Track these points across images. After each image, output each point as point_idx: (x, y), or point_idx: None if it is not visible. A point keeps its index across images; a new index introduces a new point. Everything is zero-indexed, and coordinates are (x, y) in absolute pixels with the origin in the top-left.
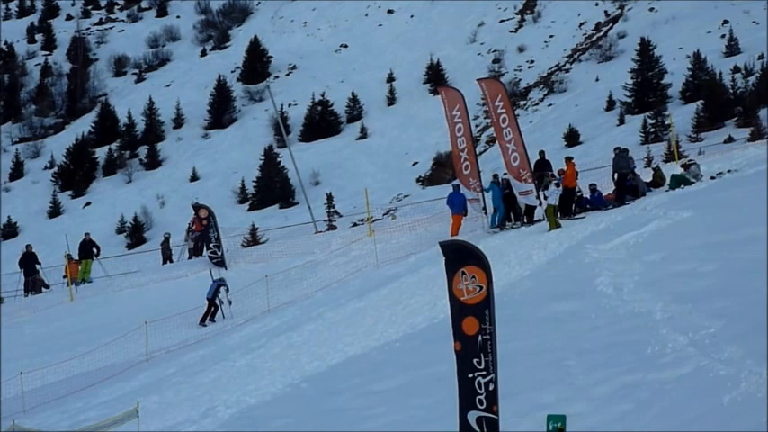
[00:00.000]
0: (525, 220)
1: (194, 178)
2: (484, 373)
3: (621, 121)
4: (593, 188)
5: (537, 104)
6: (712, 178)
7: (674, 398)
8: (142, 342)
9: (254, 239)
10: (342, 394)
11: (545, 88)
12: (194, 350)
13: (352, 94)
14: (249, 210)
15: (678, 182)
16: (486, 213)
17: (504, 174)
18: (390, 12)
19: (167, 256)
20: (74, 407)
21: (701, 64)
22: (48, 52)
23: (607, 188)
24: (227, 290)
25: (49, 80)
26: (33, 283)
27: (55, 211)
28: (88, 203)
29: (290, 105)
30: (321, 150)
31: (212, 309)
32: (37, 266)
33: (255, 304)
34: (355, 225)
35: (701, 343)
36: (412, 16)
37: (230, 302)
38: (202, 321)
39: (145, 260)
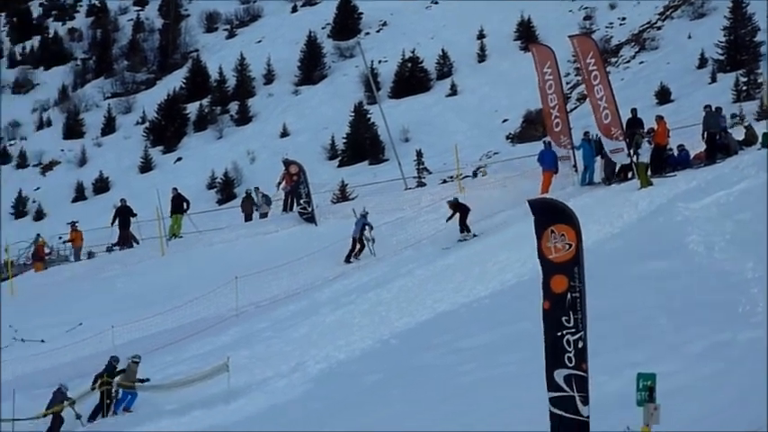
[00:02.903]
0: (616, 178)
1: (284, 134)
2: (573, 330)
3: (713, 79)
4: (681, 148)
5: (628, 62)
6: None
7: (764, 357)
8: (232, 297)
9: (343, 195)
10: (431, 351)
11: (636, 46)
12: (284, 305)
13: (443, 50)
14: (339, 166)
15: None
16: (576, 171)
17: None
18: None
19: (248, 214)
20: (164, 361)
21: None
22: (140, 8)
23: (698, 146)
24: (371, 228)
25: (141, 36)
26: (125, 238)
27: (146, 166)
28: (179, 159)
29: (380, 62)
30: (411, 107)
31: (358, 247)
32: (132, 219)
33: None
34: (445, 182)
35: None
36: None
37: (373, 240)
38: (347, 259)
39: (234, 216)
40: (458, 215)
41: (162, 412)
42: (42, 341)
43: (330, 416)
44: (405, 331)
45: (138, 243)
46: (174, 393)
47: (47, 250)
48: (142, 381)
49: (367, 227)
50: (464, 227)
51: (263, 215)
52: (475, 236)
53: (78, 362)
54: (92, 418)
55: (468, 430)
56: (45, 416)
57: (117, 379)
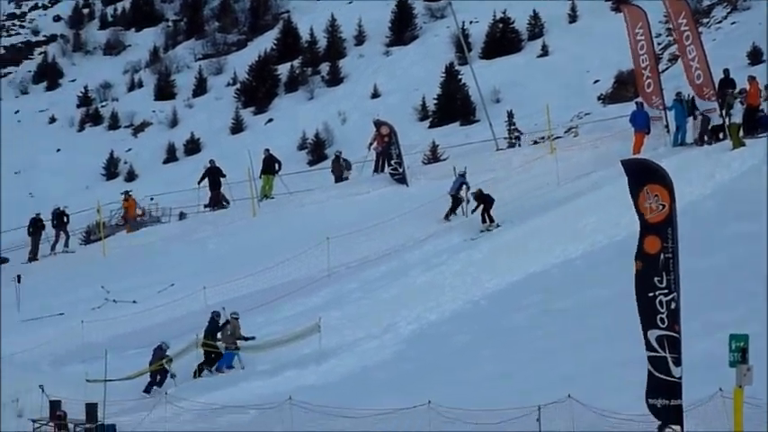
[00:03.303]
0: (709, 138)
1: (375, 95)
2: (665, 291)
3: None
4: None
5: (720, 22)
6: None
7: None
8: (324, 258)
9: (434, 156)
10: (521, 312)
11: (728, 6)
12: (375, 266)
13: (534, 11)
14: (429, 127)
15: None
16: (668, 131)
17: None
18: None
19: (338, 175)
20: (256, 322)
21: None
22: None
23: None
24: (468, 188)
25: None
26: (216, 199)
27: (237, 127)
28: (270, 120)
29: (471, 23)
30: (502, 68)
31: (456, 204)
32: (222, 180)
33: (436, 223)
34: (536, 143)
35: None
36: None
37: (468, 201)
38: (447, 216)
39: (325, 177)
40: (482, 206)
41: (254, 373)
42: (134, 302)
43: (421, 377)
44: (495, 292)
45: (228, 204)
46: (266, 354)
47: (138, 211)
48: (246, 338)
49: (464, 186)
50: (488, 217)
51: (344, 179)
52: (498, 226)
53: (170, 322)
54: (196, 375)
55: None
56: (146, 373)
57: (219, 335)
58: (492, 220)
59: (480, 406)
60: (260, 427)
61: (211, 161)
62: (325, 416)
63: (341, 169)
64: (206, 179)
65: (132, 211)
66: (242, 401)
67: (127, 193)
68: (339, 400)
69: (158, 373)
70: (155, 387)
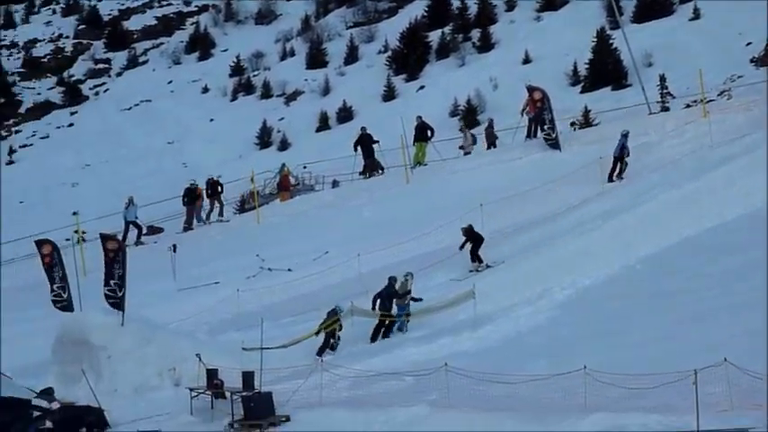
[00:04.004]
0: None
1: (526, 61)
2: None
3: None
4: None
5: None
6: None
7: None
8: (477, 223)
9: (586, 121)
10: (676, 276)
11: None
12: (529, 232)
13: None
14: (581, 92)
15: None
16: None
17: None
18: None
19: (491, 142)
20: (413, 288)
21: None
22: None
23: None
24: (628, 153)
25: None
26: (371, 166)
27: (389, 94)
28: (422, 87)
29: None
30: (653, 31)
31: (618, 166)
32: (374, 147)
33: (589, 187)
34: (689, 106)
35: None
36: None
37: (626, 164)
38: (610, 178)
39: (478, 144)
40: (470, 245)
41: (409, 340)
42: (289, 270)
43: (575, 342)
44: (649, 256)
45: (383, 171)
46: (422, 321)
47: (292, 180)
48: (415, 299)
49: (625, 149)
50: (477, 257)
51: (467, 153)
52: (488, 266)
53: (325, 290)
54: (372, 339)
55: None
56: (317, 333)
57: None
58: (481, 261)
59: (636, 370)
60: (416, 393)
61: (363, 128)
62: (480, 382)
63: (494, 135)
64: (359, 147)
65: (287, 181)
66: (397, 368)
67: (284, 165)
68: (494, 366)
69: (331, 337)
70: (327, 350)
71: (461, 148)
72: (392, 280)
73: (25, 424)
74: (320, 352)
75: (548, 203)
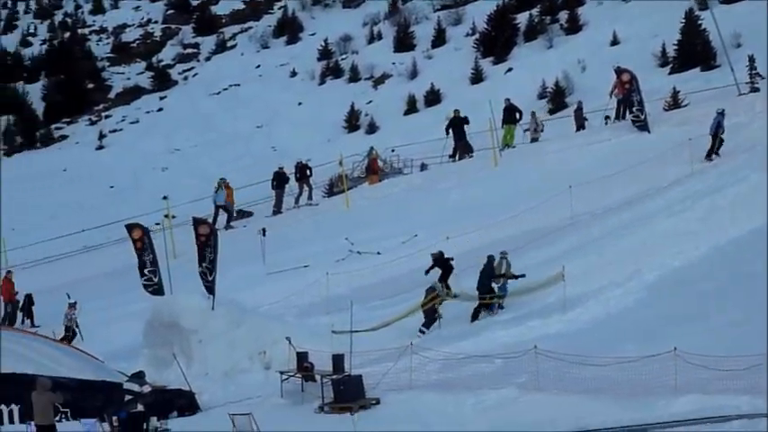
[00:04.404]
0: None
1: (614, 42)
2: None
3: None
4: None
5: None
6: None
7: None
8: (566, 206)
9: (675, 103)
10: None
11: None
12: (618, 213)
13: None
14: (670, 73)
15: None
16: None
17: None
18: None
19: (580, 124)
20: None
21: None
22: None
23: None
24: (723, 130)
25: None
26: (462, 149)
27: (477, 77)
28: (509, 69)
29: None
30: (742, 12)
31: (714, 143)
32: (465, 128)
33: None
34: None
35: None
36: None
37: (722, 141)
38: (708, 156)
39: (566, 125)
40: (440, 272)
41: (498, 322)
42: (378, 253)
43: (665, 324)
44: (739, 238)
45: (472, 154)
46: (510, 303)
47: (380, 163)
48: (516, 276)
49: (721, 127)
50: (446, 285)
51: (533, 140)
52: (456, 296)
53: (414, 273)
54: (473, 319)
55: None
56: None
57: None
58: (449, 288)
59: (727, 352)
60: (505, 376)
61: (456, 111)
62: (569, 364)
63: (583, 117)
64: (450, 129)
65: (376, 164)
66: (486, 351)
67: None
68: (583, 348)
69: (432, 313)
70: (426, 328)
71: (527, 131)
72: (491, 258)
73: (117, 407)
74: (422, 329)
75: (637, 185)
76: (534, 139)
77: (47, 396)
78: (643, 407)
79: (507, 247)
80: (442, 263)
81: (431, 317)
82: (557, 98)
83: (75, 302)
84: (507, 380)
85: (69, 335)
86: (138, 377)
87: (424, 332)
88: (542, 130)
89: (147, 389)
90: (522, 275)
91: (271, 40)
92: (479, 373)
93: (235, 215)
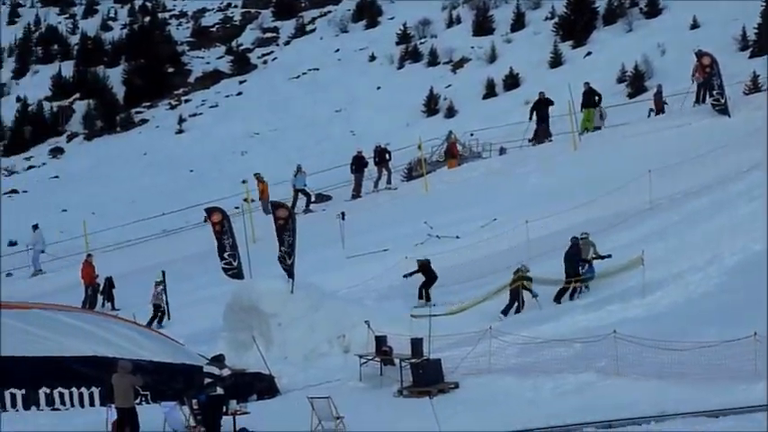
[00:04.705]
0: None
1: (694, 26)
2: None
3: None
4: None
5: None
6: None
7: None
8: (646, 190)
9: (755, 87)
10: None
11: None
12: (698, 197)
13: None
14: (750, 57)
15: None
16: None
17: None
18: None
19: (660, 108)
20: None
21: None
22: None
23: None
24: None
25: None
26: (543, 132)
27: (556, 61)
28: (588, 53)
29: None
30: None
31: None
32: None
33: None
34: None
35: None
36: None
37: None
38: None
39: (644, 109)
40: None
41: (577, 306)
42: (457, 237)
43: (746, 308)
44: None
45: (551, 138)
46: (590, 287)
47: (459, 147)
48: (602, 257)
49: None
50: (426, 294)
51: (596, 128)
52: (434, 305)
53: (493, 257)
54: (557, 299)
55: None
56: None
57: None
58: (429, 299)
59: None
60: (584, 360)
61: (541, 93)
62: (649, 348)
63: (662, 102)
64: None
65: (455, 148)
66: (565, 335)
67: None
68: (663, 333)
69: (516, 296)
70: (511, 311)
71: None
72: (575, 240)
73: (197, 391)
74: (505, 311)
75: (716, 169)
76: (597, 128)
77: (127, 379)
78: (722, 392)
79: (586, 231)
80: (426, 270)
81: (513, 302)
82: (636, 82)
83: (163, 280)
84: (586, 364)
85: (158, 314)
86: (218, 360)
87: (506, 314)
88: (605, 118)
89: (226, 372)
90: (609, 256)
91: (350, 25)
92: (558, 357)
93: (313, 199)
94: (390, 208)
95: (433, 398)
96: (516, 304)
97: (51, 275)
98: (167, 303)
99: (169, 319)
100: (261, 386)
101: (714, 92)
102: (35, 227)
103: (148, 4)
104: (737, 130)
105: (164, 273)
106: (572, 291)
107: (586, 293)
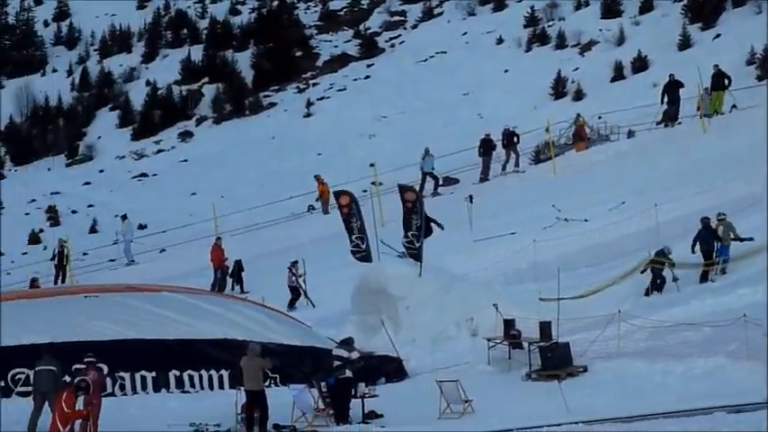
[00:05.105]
0: None
1: None
2: None
3: None
4: None
5: None
6: None
7: None
8: None
9: None
10: None
11: None
12: None
13: None
14: None
15: None
16: None
17: None
18: None
19: None
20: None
21: None
22: None
23: None
24: None
25: None
26: (673, 115)
27: (684, 43)
28: (718, 35)
29: None
30: None
31: None
32: (680, 92)
33: None
34: None
35: None
36: None
37: None
38: None
39: None
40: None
41: (707, 290)
42: (585, 220)
43: None
44: None
45: (680, 121)
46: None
47: (587, 130)
48: (742, 239)
49: None
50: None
51: (706, 116)
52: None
53: (622, 240)
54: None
55: None
56: (643, 271)
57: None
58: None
59: None
60: (714, 344)
61: (671, 75)
62: None
63: None
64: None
65: (583, 131)
66: (694, 319)
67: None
68: None
69: (657, 277)
70: (654, 291)
71: (699, 109)
72: (706, 220)
73: (326, 373)
74: (647, 292)
75: None
76: (706, 115)
77: (257, 362)
78: None
79: (722, 213)
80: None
81: (654, 282)
82: (765, 64)
83: (296, 261)
84: (716, 348)
85: (295, 296)
86: (347, 343)
87: (649, 295)
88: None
89: (355, 355)
90: (750, 238)
91: (477, 8)
92: (687, 341)
93: (441, 182)
94: (518, 191)
95: (562, 381)
96: (658, 282)
97: (145, 265)
98: (305, 291)
99: (314, 306)
100: (389, 369)
101: None
102: (124, 217)
103: None
104: None
105: (295, 262)
106: (704, 274)
107: (722, 277)
